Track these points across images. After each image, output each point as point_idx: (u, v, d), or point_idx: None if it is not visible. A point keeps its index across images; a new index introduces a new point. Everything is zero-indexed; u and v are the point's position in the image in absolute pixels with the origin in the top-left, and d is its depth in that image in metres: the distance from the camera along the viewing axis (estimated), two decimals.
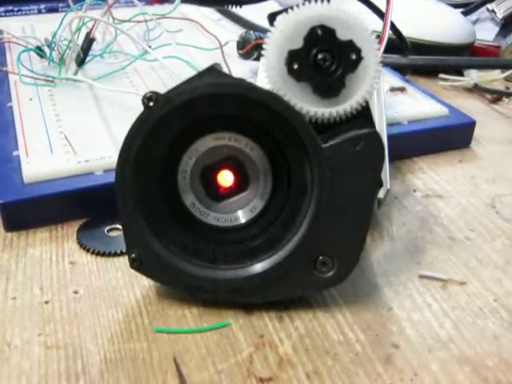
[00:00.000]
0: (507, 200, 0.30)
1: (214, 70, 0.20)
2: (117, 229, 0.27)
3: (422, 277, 0.25)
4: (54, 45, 0.40)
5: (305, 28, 0.20)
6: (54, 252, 0.26)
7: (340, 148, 0.20)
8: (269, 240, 0.22)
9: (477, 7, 0.53)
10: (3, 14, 0.54)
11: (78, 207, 0.27)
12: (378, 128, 0.24)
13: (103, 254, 0.25)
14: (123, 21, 0.39)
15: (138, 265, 0.22)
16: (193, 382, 0.20)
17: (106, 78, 0.38)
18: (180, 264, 0.22)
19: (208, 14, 0.53)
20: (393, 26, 0.38)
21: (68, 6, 0.41)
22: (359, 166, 0.21)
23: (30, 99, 0.35)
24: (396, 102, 0.36)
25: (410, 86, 0.39)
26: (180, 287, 0.22)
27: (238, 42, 0.41)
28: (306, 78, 0.20)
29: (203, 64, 0.21)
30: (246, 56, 0.40)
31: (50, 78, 0.37)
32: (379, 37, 0.31)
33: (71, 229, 0.27)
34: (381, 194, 0.26)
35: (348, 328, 0.22)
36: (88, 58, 0.39)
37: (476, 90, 0.44)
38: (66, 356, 0.20)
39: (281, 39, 0.20)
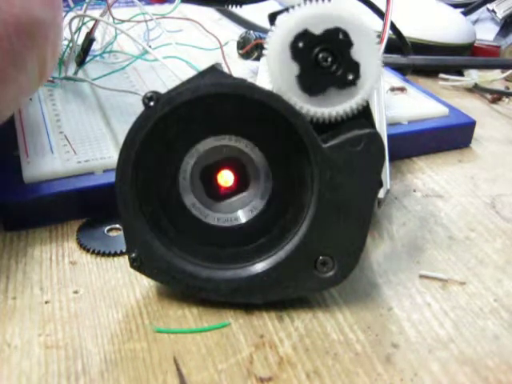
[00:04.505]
0: (507, 200, 0.30)
1: (214, 70, 0.20)
2: (117, 229, 0.27)
3: (421, 276, 0.25)
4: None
5: (332, 22, 0.20)
6: (54, 252, 0.26)
7: (340, 148, 0.20)
8: (269, 240, 0.22)
9: (477, 7, 0.53)
10: None
11: (78, 207, 0.27)
12: (378, 128, 0.24)
13: (103, 254, 0.25)
14: (123, 21, 0.39)
15: (138, 265, 0.22)
16: (193, 382, 0.20)
17: (105, 78, 0.38)
18: (180, 264, 0.22)
19: (208, 13, 0.53)
20: (393, 26, 0.38)
21: (68, 6, 0.41)
22: (359, 166, 0.21)
23: (30, 99, 0.35)
24: (396, 102, 0.36)
25: (410, 85, 0.39)
26: (180, 287, 0.22)
27: (238, 42, 0.41)
28: (299, 60, 0.20)
29: (203, 64, 0.21)
30: (246, 56, 0.40)
31: (50, 78, 0.37)
32: (379, 37, 0.31)
33: (71, 229, 0.27)
34: (381, 193, 0.26)
35: (348, 328, 0.22)
36: (88, 58, 0.39)
37: (476, 90, 0.44)
38: (66, 356, 0.20)
39: (302, 17, 0.20)
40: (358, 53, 0.20)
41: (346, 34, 0.20)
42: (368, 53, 0.20)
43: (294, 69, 0.20)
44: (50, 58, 0.27)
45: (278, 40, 0.20)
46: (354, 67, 0.20)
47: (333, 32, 0.20)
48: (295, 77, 0.20)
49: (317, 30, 0.20)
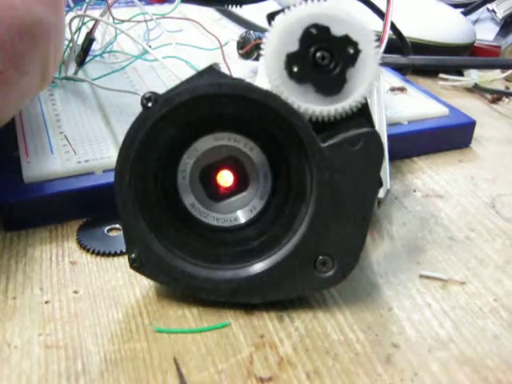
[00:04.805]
0: (507, 200, 0.30)
1: (213, 70, 0.20)
2: (117, 229, 0.27)
3: (422, 277, 0.25)
4: None
5: (299, 29, 0.20)
6: (54, 252, 0.26)
7: (339, 147, 0.20)
8: (269, 240, 0.22)
9: (477, 7, 0.53)
10: None
11: (78, 207, 0.27)
12: (377, 128, 0.24)
13: (103, 254, 0.25)
14: (123, 21, 0.39)
15: (137, 265, 0.22)
16: (193, 382, 0.20)
17: (105, 78, 0.38)
18: (180, 264, 0.22)
19: (208, 13, 0.53)
20: (393, 26, 0.38)
21: (68, 6, 0.41)
22: (359, 165, 0.21)
23: (30, 99, 0.35)
24: (396, 102, 0.36)
25: (410, 85, 0.39)
26: (180, 287, 0.22)
27: (238, 42, 0.41)
28: (307, 80, 0.20)
29: (203, 64, 0.21)
30: (246, 56, 0.40)
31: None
32: (379, 37, 0.31)
33: (71, 229, 0.27)
34: (381, 193, 0.26)
35: (348, 328, 0.22)
36: (88, 58, 0.39)
37: (476, 90, 0.44)
38: (66, 356, 0.20)
39: (276, 43, 0.20)
40: (337, 29, 0.20)
41: (315, 26, 0.20)
42: (364, 45, 0.20)
43: (309, 88, 0.20)
44: (53, 61, 0.27)
45: (272, 46, 0.20)
46: (346, 40, 0.20)
47: (305, 35, 0.20)
48: (296, 80, 0.20)
49: (293, 47, 0.20)
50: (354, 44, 0.20)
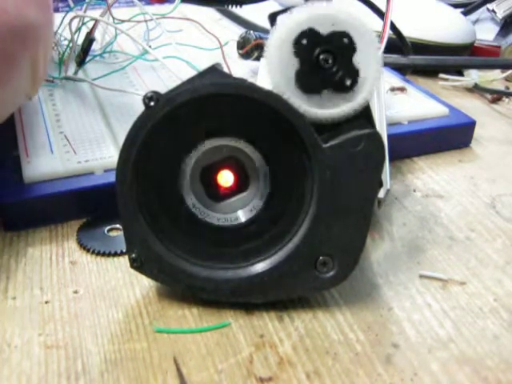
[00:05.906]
0: (507, 200, 0.30)
1: (215, 70, 0.20)
2: (117, 229, 0.27)
3: (422, 277, 0.25)
4: (54, 45, 0.40)
5: (340, 25, 0.20)
6: (54, 252, 0.26)
7: (340, 148, 0.20)
8: (269, 240, 0.22)
9: (477, 7, 0.53)
10: None
11: (78, 207, 0.27)
12: (378, 128, 0.24)
13: (103, 254, 0.25)
14: (123, 21, 0.39)
15: (138, 265, 0.22)
16: (193, 382, 0.20)
17: (105, 78, 0.38)
18: (180, 264, 0.22)
19: (208, 13, 0.53)
20: (393, 26, 0.38)
21: (68, 6, 0.41)
22: (360, 166, 0.21)
23: (30, 99, 0.35)
24: (396, 102, 0.36)
25: (410, 85, 0.39)
26: (180, 287, 0.22)
27: (238, 42, 0.41)
28: (301, 56, 0.20)
29: (203, 64, 0.21)
30: (246, 56, 0.40)
31: (50, 78, 0.37)
32: (379, 37, 0.31)
33: (71, 229, 0.27)
34: (381, 194, 0.26)
35: (348, 328, 0.22)
36: (88, 58, 0.39)
37: (476, 89, 0.44)
38: (66, 356, 0.20)
39: (307, 15, 0.20)
40: (359, 60, 0.20)
41: (351, 40, 0.20)
42: (369, 61, 0.20)
43: (294, 64, 0.20)
44: (42, 62, 0.27)
45: (283, 33, 0.20)
46: (353, 73, 0.20)
47: (339, 35, 0.20)
48: (294, 72, 0.20)
49: (323, 30, 0.20)
50: (355, 80, 0.20)
